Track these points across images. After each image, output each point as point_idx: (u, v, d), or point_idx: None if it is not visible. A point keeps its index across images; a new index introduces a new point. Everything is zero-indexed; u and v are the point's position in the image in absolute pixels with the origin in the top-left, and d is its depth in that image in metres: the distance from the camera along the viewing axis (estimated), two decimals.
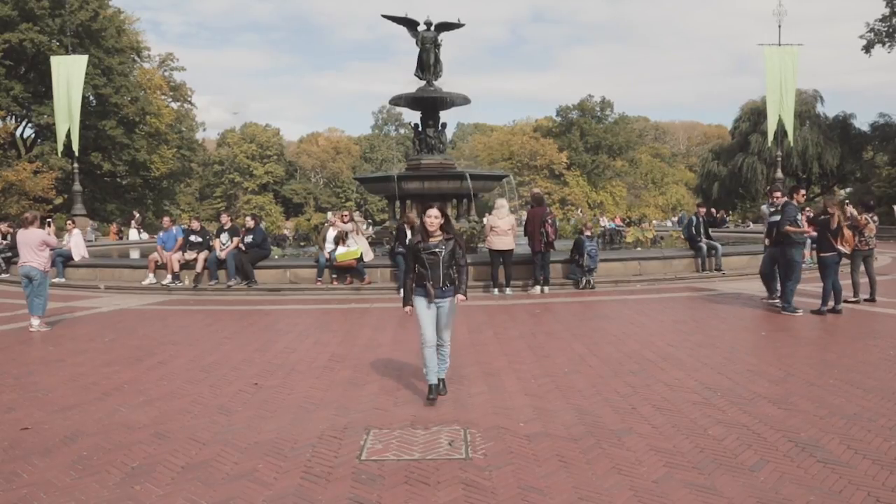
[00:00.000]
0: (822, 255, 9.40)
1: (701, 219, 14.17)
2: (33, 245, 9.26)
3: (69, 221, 16.82)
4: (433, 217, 5.43)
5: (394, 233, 13.48)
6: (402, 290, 5.67)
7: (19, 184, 30.71)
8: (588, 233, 12.81)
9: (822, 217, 9.60)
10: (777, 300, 9.88)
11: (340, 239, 12.85)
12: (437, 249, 5.39)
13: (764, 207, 10.84)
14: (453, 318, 5.67)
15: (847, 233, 9.45)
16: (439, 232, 5.46)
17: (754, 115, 43.72)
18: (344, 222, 13.54)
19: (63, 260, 14.71)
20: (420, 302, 5.45)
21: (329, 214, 29.28)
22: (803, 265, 10.25)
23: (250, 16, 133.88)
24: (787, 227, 9.21)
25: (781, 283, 9.68)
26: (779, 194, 10.31)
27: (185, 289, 13.05)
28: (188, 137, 52.13)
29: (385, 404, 5.40)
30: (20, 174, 30.95)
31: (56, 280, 14.05)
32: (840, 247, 9.29)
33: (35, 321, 9.18)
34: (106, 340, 8.40)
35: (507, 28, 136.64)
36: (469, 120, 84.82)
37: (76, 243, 15.30)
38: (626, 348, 7.30)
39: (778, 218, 9.67)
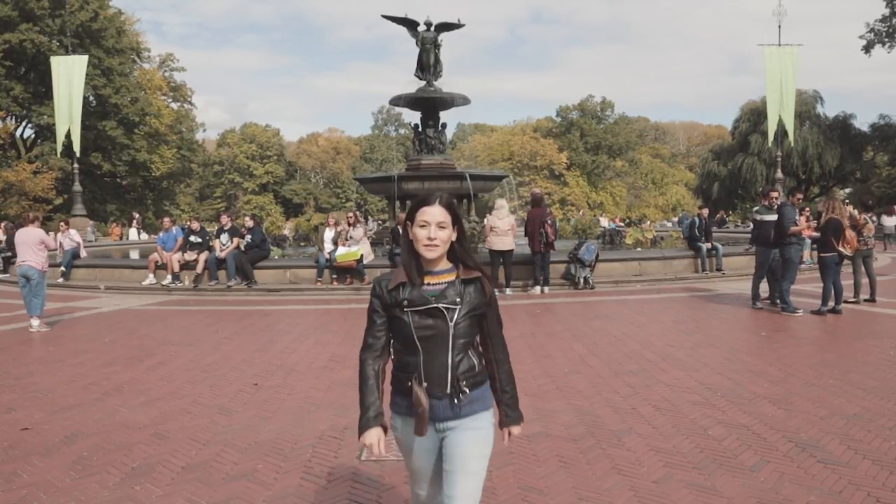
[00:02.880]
0: (822, 255, 9.41)
1: (703, 220, 14.22)
2: (32, 244, 9.25)
3: (62, 223, 16.75)
4: (433, 224, 2.25)
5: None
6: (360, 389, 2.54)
7: (19, 184, 30.77)
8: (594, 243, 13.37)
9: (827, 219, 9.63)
10: (760, 303, 10.02)
11: (340, 239, 12.84)
12: (442, 305, 2.27)
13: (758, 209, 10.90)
14: (486, 458, 2.40)
15: (850, 234, 9.44)
16: (447, 264, 2.35)
17: (754, 116, 43.75)
18: (350, 224, 13.30)
19: (70, 259, 14.63)
20: (401, 424, 2.51)
21: (329, 216, 29.17)
22: (802, 265, 10.27)
23: (250, 16, 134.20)
24: (793, 228, 9.29)
25: (777, 283, 9.73)
26: (776, 194, 10.42)
27: (185, 289, 13.06)
28: (188, 138, 52.21)
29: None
30: (20, 174, 31.02)
31: (59, 280, 14.06)
32: (841, 248, 9.29)
33: (35, 321, 9.17)
34: (106, 341, 8.40)
35: (505, 28, 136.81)
36: (469, 120, 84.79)
37: (78, 242, 15.24)
38: (626, 348, 7.30)
39: (769, 217, 9.78)
